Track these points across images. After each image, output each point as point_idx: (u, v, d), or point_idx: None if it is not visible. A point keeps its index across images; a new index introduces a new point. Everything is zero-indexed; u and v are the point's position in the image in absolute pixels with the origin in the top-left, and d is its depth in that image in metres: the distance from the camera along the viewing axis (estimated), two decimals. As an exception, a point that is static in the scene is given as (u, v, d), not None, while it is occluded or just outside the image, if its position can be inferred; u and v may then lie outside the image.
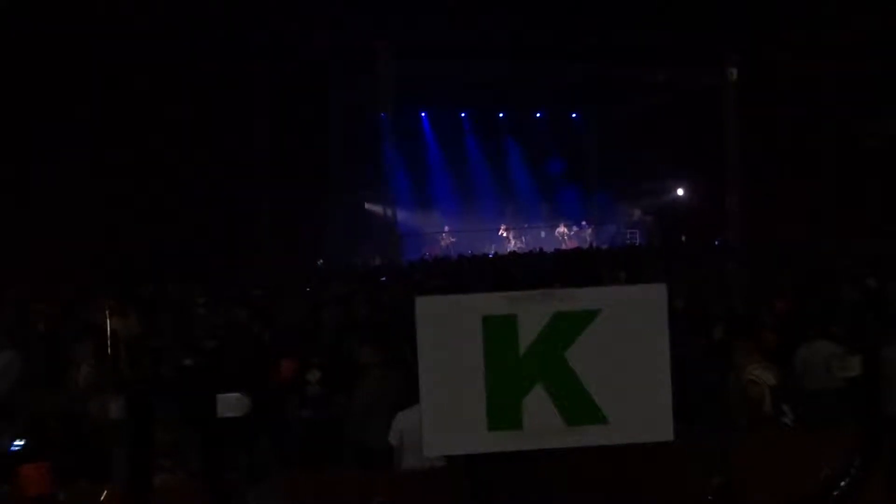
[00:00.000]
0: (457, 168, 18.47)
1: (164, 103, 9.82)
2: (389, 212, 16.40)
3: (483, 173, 18.80)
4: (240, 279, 9.81)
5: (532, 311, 1.62)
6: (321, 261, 14.32)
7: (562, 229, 18.45)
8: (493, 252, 16.25)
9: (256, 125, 12.99)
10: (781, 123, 13.27)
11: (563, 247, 17.33)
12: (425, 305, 1.62)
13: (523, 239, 18.55)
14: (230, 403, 1.62)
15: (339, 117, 15.20)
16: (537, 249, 15.24)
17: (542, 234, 18.91)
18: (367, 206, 16.65)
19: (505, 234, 18.25)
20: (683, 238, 16.48)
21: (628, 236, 18.31)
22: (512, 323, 1.62)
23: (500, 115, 19.11)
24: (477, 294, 1.65)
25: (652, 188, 18.03)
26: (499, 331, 1.61)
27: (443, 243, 17.96)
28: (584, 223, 18.64)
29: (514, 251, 16.63)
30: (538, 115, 18.98)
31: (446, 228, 18.23)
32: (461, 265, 12.61)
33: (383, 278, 9.96)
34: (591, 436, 1.61)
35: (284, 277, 10.28)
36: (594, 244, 16.92)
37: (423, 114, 18.60)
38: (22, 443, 2.90)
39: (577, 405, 1.61)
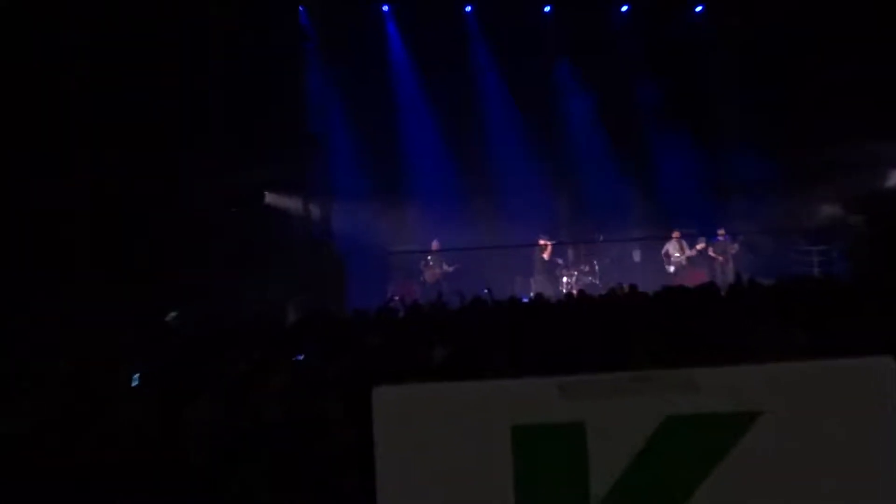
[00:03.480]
0: (456, 117, 17.55)
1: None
2: (317, 211, 15.86)
3: (508, 125, 17.96)
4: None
5: (617, 416, 1.47)
6: (174, 314, 13.45)
7: (674, 245, 17.22)
8: (529, 294, 15.35)
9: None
10: None
11: (677, 278, 16.17)
12: (389, 402, 1.48)
13: (594, 265, 17.26)
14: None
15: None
16: (620, 287, 14.34)
17: (636, 253, 17.90)
18: (267, 200, 15.87)
19: (548, 253, 16.99)
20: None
21: (815, 257, 16.43)
22: (576, 438, 1.46)
23: (546, 7, 17.92)
24: (499, 381, 1.47)
25: (850, 159, 15.19)
26: (548, 454, 1.46)
27: (427, 274, 16.91)
28: (721, 233, 17.18)
29: (572, 290, 15.55)
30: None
31: (435, 244, 17.15)
32: (464, 322, 11.66)
33: (299, 356, 9.29)
34: None
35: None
36: (741, 274, 13.63)
37: (385, 7, 17.80)
38: None
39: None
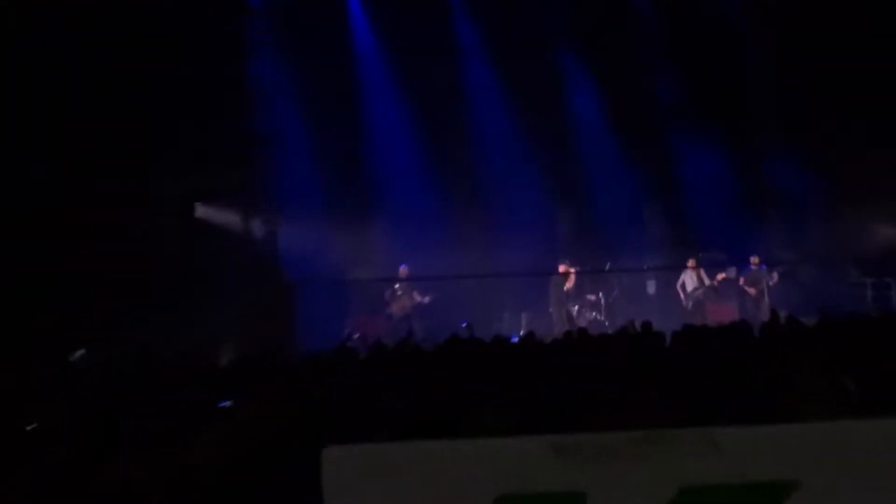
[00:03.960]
0: (436, 115, 17.98)
1: None
2: (261, 227, 16.38)
3: (499, 127, 18.24)
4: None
5: (623, 485, 1.53)
6: (80, 352, 13.44)
7: (690, 277, 17.86)
8: (519, 332, 15.85)
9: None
10: None
11: (698, 316, 16.63)
12: (342, 463, 1.52)
13: (600, 298, 17.83)
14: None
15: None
16: (631, 324, 14.47)
17: (651, 284, 18.37)
18: (199, 213, 16.33)
19: (571, 283, 17.48)
20: None
21: (869, 290, 16.95)
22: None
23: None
24: (481, 440, 1.46)
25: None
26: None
27: (395, 307, 17.33)
28: (755, 261, 17.71)
29: (571, 329, 15.96)
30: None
31: (404, 270, 17.59)
32: (440, 366, 11.79)
33: (224, 403, 9.43)
34: None
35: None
36: (777, 311, 14.35)
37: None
38: None
39: None
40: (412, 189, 17.92)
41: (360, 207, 17.79)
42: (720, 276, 17.60)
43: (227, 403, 7.61)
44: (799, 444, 1.43)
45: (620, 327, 13.39)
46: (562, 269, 17.38)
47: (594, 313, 17.58)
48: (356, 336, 15.40)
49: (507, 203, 18.06)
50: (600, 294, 17.92)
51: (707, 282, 17.66)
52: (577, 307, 17.57)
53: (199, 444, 6.00)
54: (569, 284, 17.32)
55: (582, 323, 16.59)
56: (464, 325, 13.95)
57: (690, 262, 17.73)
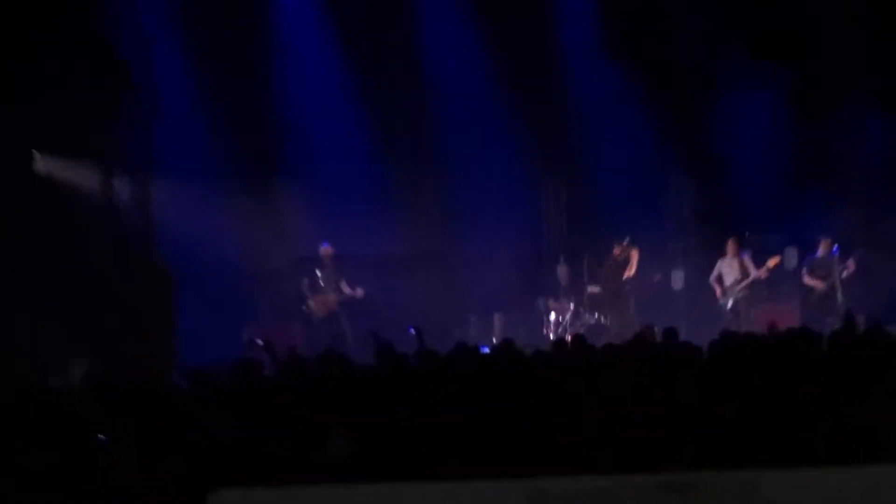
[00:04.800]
0: (375, 41, 18.62)
1: None
2: (129, 192, 16.67)
3: (466, 58, 18.80)
4: None
5: None
6: None
7: (728, 266, 18.33)
8: (492, 341, 16.78)
9: None
10: None
11: (741, 319, 17.39)
12: None
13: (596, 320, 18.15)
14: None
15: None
16: (650, 331, 14.69)
17: (677, 276, 19.03)
18: (39, 165, 16.58)
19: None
20: None
21: None
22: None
23: None
24: (433, 484, 1.46)
25: None
26: None
27: (315, 303, 17.97)
28: (825, 244, 18.10)
29: (563, 335, 16.85)
30: None
31: (326, 250, 18.10)
32: (378, 385, 11.96)
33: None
34: None
35: None
36: (853, 314, 15.17)
37: None
38: None
39: None
40: (341, 146, 18.51)
41: (267, 170, 18.31)
42: (771, 261, 17.84)
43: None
44: (874, 488, 1.45)
45: (634, 335, 13.35)
46: (617, 249, 17.83)
47: (595, 315, 17.85)
48: (260, 343, 15.30)
49: (477, 165, 18.55)
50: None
51: (754, 272, 17.84)
52: (571, 306, 18.07)
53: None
54: (629, 272, 17.92)
55: (577, 329, 16.94)
56: (411, 330, 14.04)
57: (731, 245, 17.93)
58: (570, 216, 19.22)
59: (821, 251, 17.92)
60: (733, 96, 18.60)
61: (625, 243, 17.97)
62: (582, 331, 16.56)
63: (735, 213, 18.49)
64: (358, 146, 18.41)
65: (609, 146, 18.73)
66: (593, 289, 18.27)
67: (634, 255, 17.90)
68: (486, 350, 13.55)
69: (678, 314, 16.62)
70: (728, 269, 18.02)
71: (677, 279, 18.97)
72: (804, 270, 17.88)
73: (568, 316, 17.94)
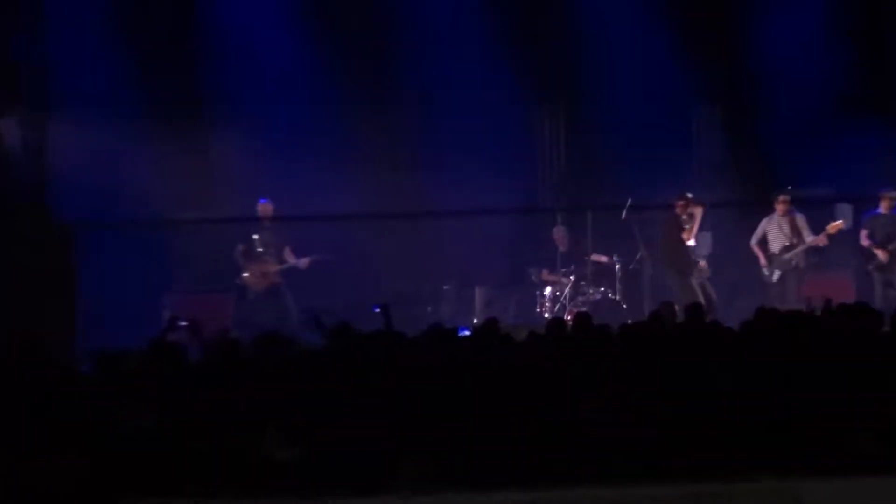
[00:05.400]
0: None
1: None
2: (18, 131, 16.81)
3: None
4: None
5: None
6: None
7: (776, 226, 18.45)
8: (472, 323, 16.96)
9: None
10: None
11: (787, 292, 17.74)
12: None
13: (615, 264, 18.73)
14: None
15: None
16: (668, 307, 14.80)
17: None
18: None
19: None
20: None
21: None
22: None
23: None
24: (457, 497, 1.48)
25: None
26: None
27: (252, 274, 18.20)
28: (890, 200, 18.15)
29: (563, 314, 17.32)
30: None
31: (265, 207, 18.39)
32: (329, 377, 11.96)
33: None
34: None
35: None
36: None
37: None
38: None
39: None
40: (293, 89, 18.69)
41: (198, 118, 18.51)
42: (833, 226, 17.82)
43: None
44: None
45: (651, 313, 13.42)
46: (680, 205, 17.76)
47: (601, 290, 18.01)
48: (182, 323, 15.16)
49: (453, 106, 18.70)
50: (614, 257, 18.55)
51: (810, 238, 17.89)
52: (571, 279, 18.28)
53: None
54: (690, 234, 17.88)
55: (578, 305, 17.46)
56: (376, 309, 14.05)
57: (782, 201, 17.97)
58: (571, 163, 19.02)
59: (882, 208, 17.76)
60: (772, 12, 18.61)
61: (690, 197, 17.83)
62: (585, 309, 16.47)
63: (774, 159, 18.23)
64: (308, 79, 18.61)
65: (619, 73, 18.84)
66: (599, 257, 17.92)
67: (698, 213, 17.79)
68: (466, 332, 13.89)
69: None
70: (777, 231, 18.06)
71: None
72: (862, 233, 17.72)
73: (567, 290, 17.98)
